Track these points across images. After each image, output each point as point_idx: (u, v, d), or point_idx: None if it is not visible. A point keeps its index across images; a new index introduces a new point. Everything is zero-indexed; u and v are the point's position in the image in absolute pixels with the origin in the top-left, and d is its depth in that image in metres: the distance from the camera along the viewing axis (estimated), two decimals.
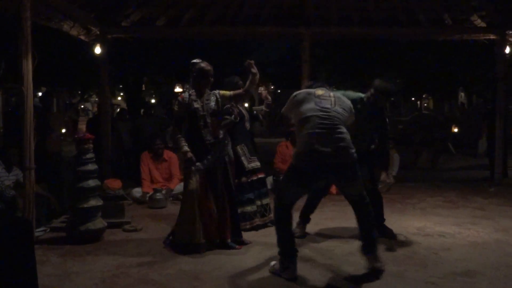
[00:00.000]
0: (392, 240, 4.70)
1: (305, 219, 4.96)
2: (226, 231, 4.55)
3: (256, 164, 5.28)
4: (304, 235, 4.87)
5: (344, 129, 3.77)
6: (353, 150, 3.75)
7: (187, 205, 4.50)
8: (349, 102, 4.05)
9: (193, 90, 4.61)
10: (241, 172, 5.11)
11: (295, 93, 4.02)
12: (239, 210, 4.92)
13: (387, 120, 4.87)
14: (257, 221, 5.19)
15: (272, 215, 5.26)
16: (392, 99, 5.03)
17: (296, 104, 3.94)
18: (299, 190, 3.91)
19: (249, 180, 5.18)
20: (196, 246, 4.39)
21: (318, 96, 3.89)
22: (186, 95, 4.61)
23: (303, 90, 4.10)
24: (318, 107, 3.81)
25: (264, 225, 5.20)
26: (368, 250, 3.84)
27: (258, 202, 5.23)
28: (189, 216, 4.46)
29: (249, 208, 5.15)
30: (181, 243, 4.45)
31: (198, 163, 4.47)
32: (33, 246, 2.43)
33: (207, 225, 4.49)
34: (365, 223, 3.86)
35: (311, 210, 4.97)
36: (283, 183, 3.95)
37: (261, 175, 5.32)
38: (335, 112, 3.81)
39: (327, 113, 3.77)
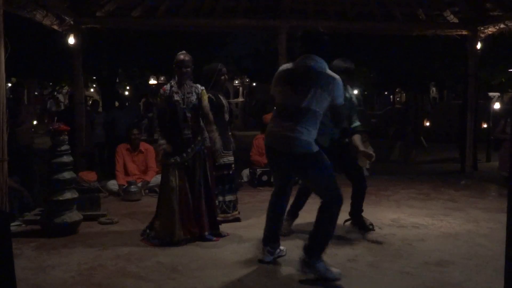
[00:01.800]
0: (367, 233, 4.72)
1: (293, 215, 4.75)
2: (204, 224, 4.55)
3: (229, 159, 5.15)
4: (290, 232, 4.67)
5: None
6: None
7: (166, 201, 4.47)
8: None
9: (175, 82, 4.59)
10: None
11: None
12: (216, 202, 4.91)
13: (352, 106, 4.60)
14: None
15: (236, 212, 5.23)
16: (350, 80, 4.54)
17: None
18: None
19: (217, 175, 5.01)
20: (175, 243, 4.36)
21: None
22: (167, 87, 4.61)
23: None
24: None
25: (224, 222, 5.01)
26: (305, 252, 3.57)
27: (220, 198, 5.09)
28: (168, 213, 4.43)
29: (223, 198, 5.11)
30: (160, 239, 4.42)
31: (176, 157, 4.46)
32: (10, 239, 2.38)
33: (186, 220, 4.47)
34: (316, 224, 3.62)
35: (301, 206, 4.79)
36: (330, 176, 3.66)
37: (230, 172, 5.17)
38: None
39: None
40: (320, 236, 3.57)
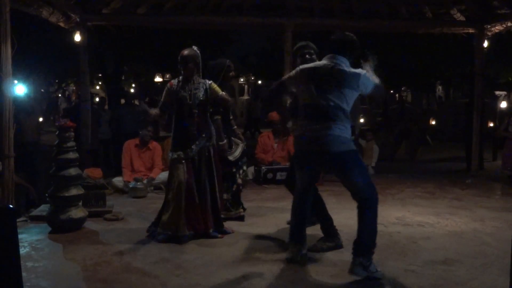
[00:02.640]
0: None
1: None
2: (208, 221, 4.54)
3: (234, 156, 5.13)
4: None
5: None
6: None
7: (173, 197, 4.45)
8: None
9: (182, 77, 4.59)
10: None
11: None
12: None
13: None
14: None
15: (240, 211, 5.21)
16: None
17: None
18: None
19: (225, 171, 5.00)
20: (180, 238, 4.37)
21: None
22: (175, 82, 4.60)
23: None
24: None
25: (228, 219, 4.99)
26: (357, 254, 3.56)
27: (225, 196, 5.07)
28: (174, 208, 4.42)
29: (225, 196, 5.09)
30: (166, 234, 4.42)
31: (180, 152, 4.47)
32: (17, 234, 2.39)
33: (191, 215, 4.47)
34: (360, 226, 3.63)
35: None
36: (367, 172, 3.85)
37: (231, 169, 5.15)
38: None
39: None
40: (369, 235, 3.58)
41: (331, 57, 3.68)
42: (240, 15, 8.06)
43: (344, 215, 5.12)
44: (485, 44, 8.20)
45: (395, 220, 5.24)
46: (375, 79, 3.68)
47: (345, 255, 4.03)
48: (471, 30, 8.26)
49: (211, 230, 4.53)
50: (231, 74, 5.18)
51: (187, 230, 4.41)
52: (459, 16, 8.19)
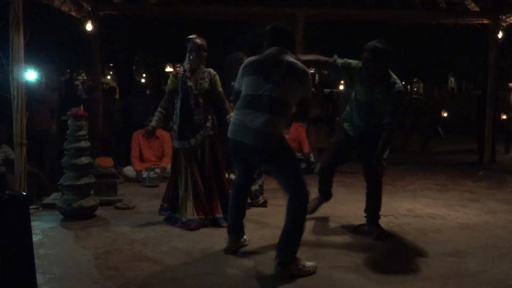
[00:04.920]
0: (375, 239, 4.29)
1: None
2: (215, 206, 4.59)
3: None
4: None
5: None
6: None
7: (181, 182, 4.57)
8: None
9: (188, 66, 4.59)
10: None
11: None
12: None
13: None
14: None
15: (264, 196, 5.36)
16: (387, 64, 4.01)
17: None
18: None
19: None
20: (187, 222, 4.44)
21: None
22: (181, 70, 4.60)
23: None
24: None
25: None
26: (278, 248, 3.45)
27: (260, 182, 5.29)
28: (183, 193, 4.55)
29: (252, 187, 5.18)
30: (174, 217, 4.55)
31: (184, 142, 4.55)
32: (30, 221, 2.41)
33: (198, 201, 4.53)
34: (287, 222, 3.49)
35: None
36: (299, 169, 3.74)
37: None
38: None
39: None
40: (289, 233, 3.44)
41: (278, 50, 3.56)
42: (250, 5, 8.02)
43: (354, 205, 5.14)
44: (500, 35, 8.08)
45: (406, 211, 5.22)
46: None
47: (356, 246, 4.03)
48: (485, 21, 8.14)
49: (218, 216, 4.56)
50: None
51: (196, 215, 4.48)
52: (473, 7, 8.08)
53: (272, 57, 3.55)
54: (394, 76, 4.07)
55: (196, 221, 4.45)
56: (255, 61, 3.62)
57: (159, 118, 4.75)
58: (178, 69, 4.66)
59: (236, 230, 3.89)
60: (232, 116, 3.72)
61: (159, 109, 4.76)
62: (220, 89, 4.66)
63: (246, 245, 3.97)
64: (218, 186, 4.64)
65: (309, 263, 3.48)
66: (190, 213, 4.48)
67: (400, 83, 4.08)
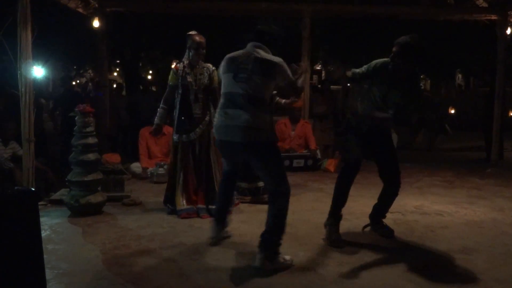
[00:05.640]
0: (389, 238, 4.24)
1: None
2: (200, 197, 4.81)
3: None
4: None
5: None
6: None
7: (172, 174, 4.83)
8: None
9: (188, 62, 4.72)
10: None
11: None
12: (254, 186, 5.25)
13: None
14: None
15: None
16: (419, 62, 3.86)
17: None
18: None
19: None
20: (178, 211, 4.70)
21: None
22: (180, 66, 4.73)
23: None
24: None
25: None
26: (260, 246, 3.46)
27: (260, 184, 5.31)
28: (174, 184, 4.81)
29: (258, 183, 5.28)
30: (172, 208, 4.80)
31: (183, 136, 4.70)
32: (39, 217, 2.42)
33: (189, 191, 4.77)
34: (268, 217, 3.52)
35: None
36: (282, 165, 3.75)
37: None
38: None
39: None
40: (271, 230, 3.46)
41: (252, 45, 3.60)
42: (257, 1, 8.01)
43: (361, 202, 5.12)
44: (508, 31, 8.02)
45: (413, 208, 5.21)
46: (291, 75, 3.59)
47: (362, 243, 4.03)
48: (493, 17, 8.08)
49: (200, 206, 4.74)
50: None
51: (186, 204, 4.72)
52: (481, 3, 8.02)
53: (243, 54, 3.59)
54: (420, 77, 3.89)
55: (185, 210, 4.67)
56: (229, 58, 3.66)
57: (162, 114, 4.85)
58: (177, 65, 4.77)
59: (220, 220, 3.97)
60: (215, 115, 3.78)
61: (161, 105, 4.85)
62: (216, 85, 4.73)
63: (228, 236, 4.02)
64: (207, 180, 4.80)
65: (287, 257, 3.50)
66: (181, 203, 4.72)
67: (421, 86, 3.93)
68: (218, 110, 3.68)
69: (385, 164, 4.20)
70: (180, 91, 4.71)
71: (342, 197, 4.13)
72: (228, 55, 3.70)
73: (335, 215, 4.10)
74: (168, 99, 4.82)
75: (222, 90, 3.65)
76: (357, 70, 4.10)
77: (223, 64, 3.69)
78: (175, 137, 4.77)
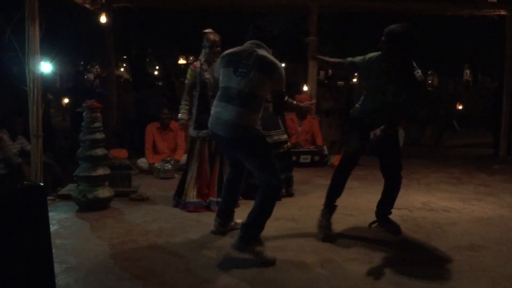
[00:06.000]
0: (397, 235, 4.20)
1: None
2: (212, 190, 4.88)
3: (279, 137, 5.35)
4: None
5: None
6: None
7: (193, 168, 4.89)
8: None
9: (204, 60, 4.83)
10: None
11: None
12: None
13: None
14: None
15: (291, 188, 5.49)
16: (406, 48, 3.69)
17: None
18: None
19: (280, 151, 5.28)
20: (186, 204, 4.82)
21: None
22: (198, 64, 4.84)
23: None
24: None
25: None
26: (242, 226, 3.64)
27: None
28: (188, 177, 4.89)
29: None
30: (179, 201, 4.91)
31: (202, 131, 4.72)
32: (47, 212, 2.44)
33: (200, 186, 4.85)
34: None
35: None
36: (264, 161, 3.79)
37: (285, 149, 5.40)
38: None
39: None
40: (253, 218, 3.54)
41: (253, 43, 3.66)
42: None
43: (368, 199, 5.12)
44: None
45: (420, 205, 5.19)
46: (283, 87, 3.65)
47: (370, 239, 4.03)
48: (502, 12, 8.00)
49: (212, 199, 4.83)
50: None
51: (195, 197, 4.82)
52: None
53: (244, 50, 3.63)
54: (415, 64, 3.82)
55: (193, 203, 4.79)
56: (230, 53, 3.70)
57: (187, 110, 4.91)
58: (195, 63, 4.89)
59: (223, 216, 4.06)
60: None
61: (183, 102, 4.95)
62: None
63: (238, 228, 3.97)
64: (220, 174, 4.89)
65: (270, 254, 3.53)
66: (191, 196, 4.81)
67: (420, 72, 3.83)
68: (214, 102, 3.75)
69: (386, 159, 4.20)
70: (198, 88, 4.82)
71: (337, 189, 4.15)
72: (227, 51, 3.76)
73: (329, 206, 4.14)
74: (188, 96, 4.92)
75: (220, 84, 3.72)
76: (355, 60, 4.05)
77: (222, 59, 3.74)
78: (194, 132, 4.85)
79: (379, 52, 3.90)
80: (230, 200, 4.03)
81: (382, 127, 3.72)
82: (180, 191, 4.94)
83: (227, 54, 3.72)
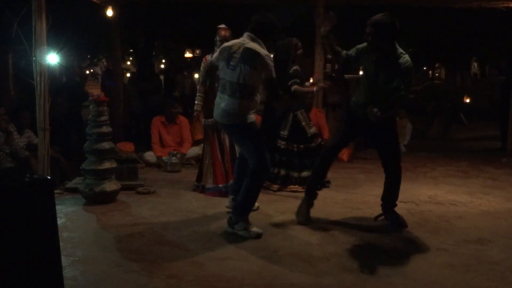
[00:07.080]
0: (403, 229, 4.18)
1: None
2: (228, 177, 5.07)
3: (314, 129, 5.49)
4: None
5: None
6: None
7: (205, 154, 5.19)
8: None
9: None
10: (301, 138, 5.31)
11: None
12: (296, 175, 5.30)
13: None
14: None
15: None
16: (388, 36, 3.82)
17: None
18: None
19: (312, 145, 5.37)
20: (205, 189, 5.16)
21: None
22: (209, 57, 4.95)
23: None
24: None
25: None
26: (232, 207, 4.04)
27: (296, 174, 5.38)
28: (204, 164, 5.18)
29: (305, 173, 5.25)
30: (198, 185, 5.24)
31: (210, 119, 4.83)
32: (54, 205, 2.45)
33: (216, 171, 5.10)
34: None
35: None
36: (255, 147, 4.10)
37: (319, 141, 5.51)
38: None
39: None
40: (243, 200, 3.90)
41: (246, 36, 3.90)
42: None
43: (375, 192, 5.09)
44: None
45: (427, 198, 5.17)
46: (272, 69, 3.83)
47: (376, 232, 4.02)
48: (511, 4, 7.93)
49: (221, 185, 5.08)
50: (299, 52, 5.32)
51: (212, 183, 5.10)
52: None
53: (236, 44, 3.90)
54: (401, 50, 3.90)
55: (211, 189, 5.10)
56: (224, 47, 4.00)
57: (202, 101, 5.06)
58: (207, 56, 5.07)
59: (236, 193, 4.19)
60: None
61: (198, 93, 5.11)
62: None
63: (255, 209, 4.26)
64: (232, 160, 5.01)
65: (255, 229, 3.89)
66: (208, 182, 5.13)
67: (408, 57, 3.87)
68: (218, 91, 4.08)
69: (384, 150, 4.24)
70: (208, 80, 4.95)
71: (318, 177, 4.40)
72: (224, 44, 4.08)
73: (310, 193, 4.34)
74: (203, 87, 5.06)
75: (219, 76, 4.07)
76: (349, 52, 4.14)
77: (219, 53, 4.03)
78: (204, 121, 5.09)
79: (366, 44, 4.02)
80: (241, 177, 4.13)
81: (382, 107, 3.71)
82: (200, 177, 5.27)
83: (223, 48, 4.01)
